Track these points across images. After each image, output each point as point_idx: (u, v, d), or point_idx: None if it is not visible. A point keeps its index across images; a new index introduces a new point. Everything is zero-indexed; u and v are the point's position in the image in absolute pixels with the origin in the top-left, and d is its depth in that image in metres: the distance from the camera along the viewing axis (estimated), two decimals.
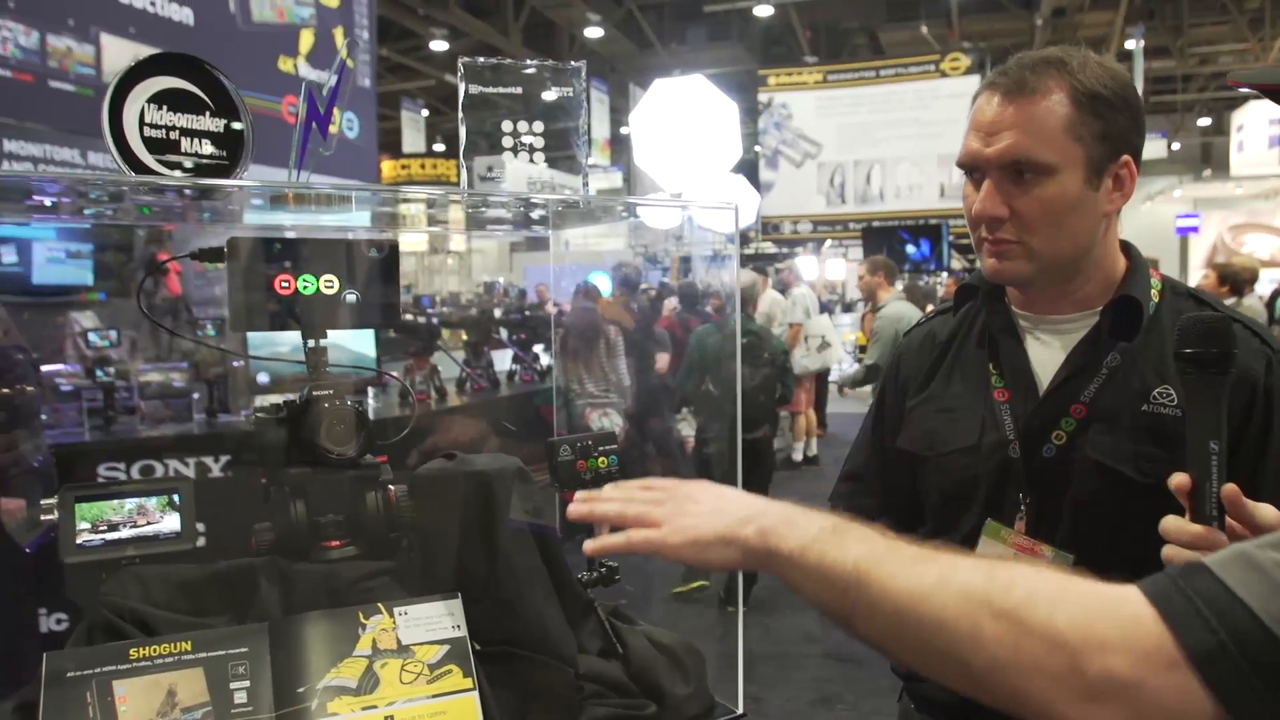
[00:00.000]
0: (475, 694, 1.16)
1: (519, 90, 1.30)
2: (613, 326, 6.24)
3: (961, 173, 1.30)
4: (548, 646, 1.25)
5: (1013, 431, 1.27)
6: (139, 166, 1.04)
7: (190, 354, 5.11)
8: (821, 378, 9.55)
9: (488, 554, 1.27)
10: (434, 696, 1.16)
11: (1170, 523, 0.97)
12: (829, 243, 18.83)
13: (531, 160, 1.31)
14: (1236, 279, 6.08)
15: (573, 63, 1.28)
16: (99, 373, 4.54)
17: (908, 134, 17.56)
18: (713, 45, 18.93)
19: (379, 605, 1.20)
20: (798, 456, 8.70)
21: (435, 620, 1.21)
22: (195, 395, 4.77)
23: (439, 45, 17.40)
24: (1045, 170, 1.18)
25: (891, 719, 1.47)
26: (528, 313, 7.22)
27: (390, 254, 1.33)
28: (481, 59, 1.24)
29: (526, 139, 1.33)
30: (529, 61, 1.27)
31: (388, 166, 19.52)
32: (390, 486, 1.31)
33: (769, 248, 19.01)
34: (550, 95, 1.32)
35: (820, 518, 0.83)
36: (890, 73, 17.94)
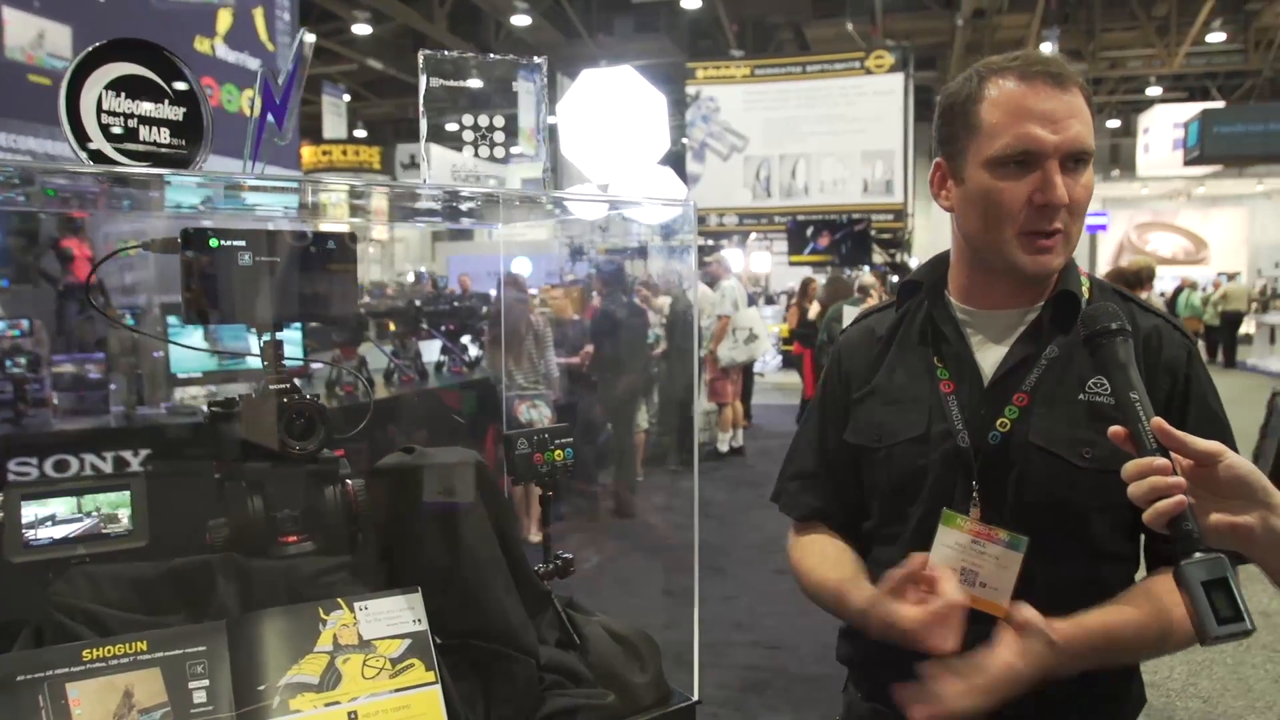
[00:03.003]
0: (438, 687, 1.17)
1: (480, 84, 1.30)
2: (540, 317, 6.20)
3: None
4: (509, 638, 1.26)
5: (960, 421, 1.31)
6: (96, 155, 1.01)
7: (106, 345, 4.92)
8: (748, 370, 9.67)
9: (447, 547, 1.27)
10: (397, 690, 1.15)
11: (1126, 466, 1.01)
12: (754, 236, 19.04)
13: (492, 154, 1.31)
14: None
15: (535, 58, 1.29)
16: (8, 363, 4.35)
17: (833, 130, 17.79)
18: (640, 36, 18.94)
19: (339, 600, 1.19)
20: (724, 448, 8.80)
21: (396, 614, 1.20)
22: (113, 386, 4.60)
23: (362, 29, 17.04)
24: (1089, 158, 1.27)
25: (822, 705, 1.50)
26: (456, 303, 7.12)
27: (348, 246, 1.32)
28: (444, 52, 1.24)
29: (486, 133, 1.34)
30: (493, 57, 1.27)
31: (308, 152, 19.05)
32: (348, 481, 1.30)
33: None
34: (511, 89, 1.33)
35: None
36: (816, 69, 18.16)
